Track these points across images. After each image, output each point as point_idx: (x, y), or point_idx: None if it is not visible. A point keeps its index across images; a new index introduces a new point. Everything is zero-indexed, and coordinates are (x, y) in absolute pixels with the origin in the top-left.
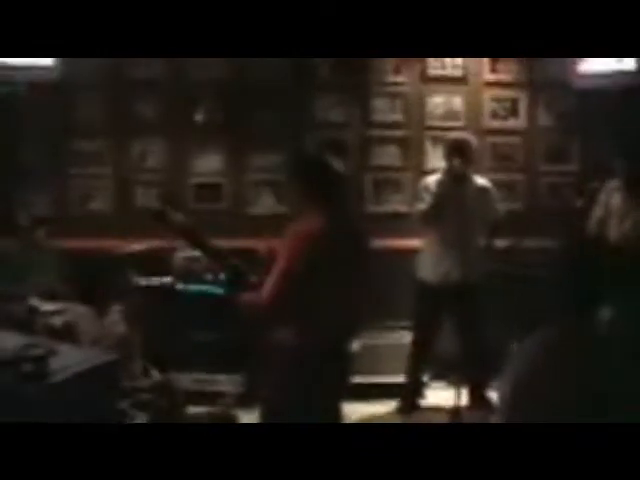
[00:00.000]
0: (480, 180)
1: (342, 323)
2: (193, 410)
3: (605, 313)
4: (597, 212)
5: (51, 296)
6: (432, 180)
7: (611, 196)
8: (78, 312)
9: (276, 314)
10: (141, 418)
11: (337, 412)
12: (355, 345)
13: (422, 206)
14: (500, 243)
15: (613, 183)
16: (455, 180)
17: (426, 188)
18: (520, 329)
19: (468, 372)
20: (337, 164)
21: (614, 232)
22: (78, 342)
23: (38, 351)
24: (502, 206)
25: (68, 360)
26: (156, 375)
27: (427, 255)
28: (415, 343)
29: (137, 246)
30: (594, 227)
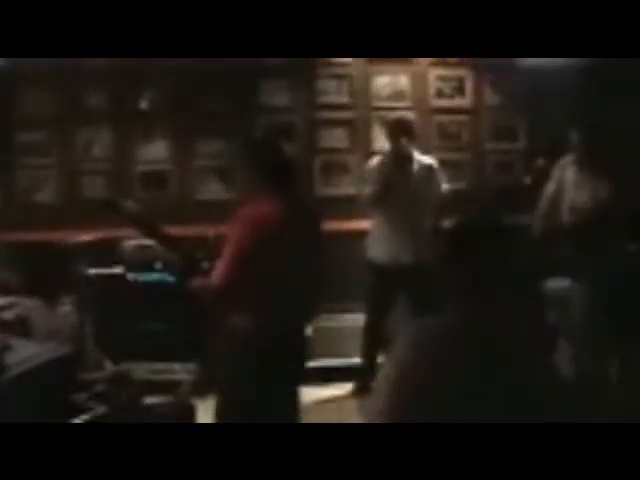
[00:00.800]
0: (425, 159)
1: (296, 308)
2: (150, 400)
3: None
4: (550, 187)
5: (3, 289)
6: (378, 162)
7: (565, 171)
8: (29, 305)
9: (227, 299)
10: (99, 410)
11: (294, 397)
12: (309, 329)
13: (369, 189)
14: (447, 222)
15: (567, 158)
16: (400, 161)
17: (372, 171)
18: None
19: None
20: (287, 147)
21: (567, 206)
22: (31, 336)
23: None
24: (447, 185)
25: (22, 354)
26: (110, 366)
27: (376, 237)
28: (368, 325)
29: (86, 236)
30: (546, 202)
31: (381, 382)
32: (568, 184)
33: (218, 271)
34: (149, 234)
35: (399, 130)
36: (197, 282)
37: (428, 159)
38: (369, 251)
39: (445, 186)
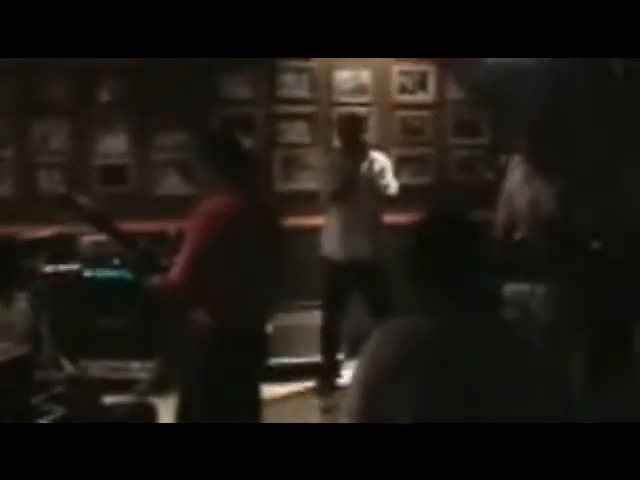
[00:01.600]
0: (377, 155)
1: (256, 304)
2: (109, 400)
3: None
4: (506, 188)
5: None
6: (330, 160)
7: (515, 172)
8: None
9: (186, 295)
10: (57, 412)
11: (255, 394)
12: (269, 326)
13: (327, 186)
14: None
15: (517, 158)
16: (353, 157)
17: (325, 168)
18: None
19: None
20: (245, 141)
21: (519, 207)
22: None
23: None
24: (395, 183)
25: None
26: (68, 366)
27: (331, 233)
28: (325, 322)
29: (42, 232)
30: (502, 203)
31: (352, 382)
32: (518, 186)
33: (176, 267)
34: (103, 230)
35: (350, 127)
36: (155, 279)
37: (379, 155)
38: (325, 247)
39: (394, 184)
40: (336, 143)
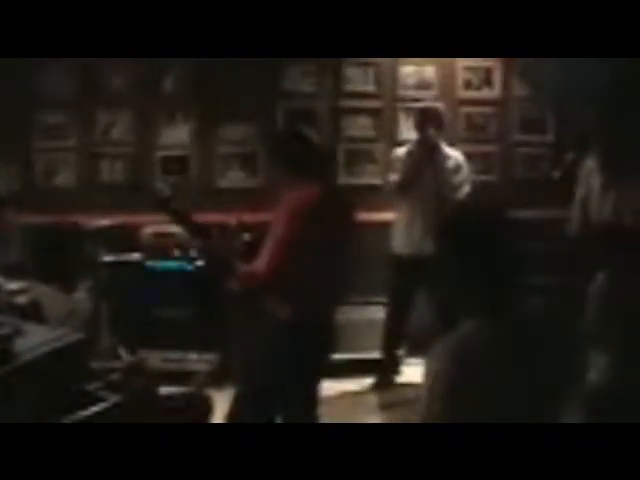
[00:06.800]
0: (453, 152)
1: (329, 298)
2: (165, 391)
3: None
4: (579, 192)
5: (17, 274)
6: (404, 150)
7: (590, 176)
8: (43, 290)
9: (271, 286)
10: (111, 399)
11: (315, 390)
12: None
13: (395, 177)
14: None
15: (591, 161)
16: (427, 151)
17: (398, 158)
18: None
19: None
20: (315, 136)
21: (595, 214)
22: (44, 321)
23: (4, 330)
24: (468, 186)
25: (34, 340)
26: (125, 355)
27: (400, 227)
28: (390, 318)
29: (104, 221)
30: (577, 207)
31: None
32: (595, 190)
33: (265, 256)
34: (178, 220)
35: (427, 119)
36: (244, 268)
37: (455, 152)
38: (393, 242)
39: (465, 188)
40: (400, 137)
